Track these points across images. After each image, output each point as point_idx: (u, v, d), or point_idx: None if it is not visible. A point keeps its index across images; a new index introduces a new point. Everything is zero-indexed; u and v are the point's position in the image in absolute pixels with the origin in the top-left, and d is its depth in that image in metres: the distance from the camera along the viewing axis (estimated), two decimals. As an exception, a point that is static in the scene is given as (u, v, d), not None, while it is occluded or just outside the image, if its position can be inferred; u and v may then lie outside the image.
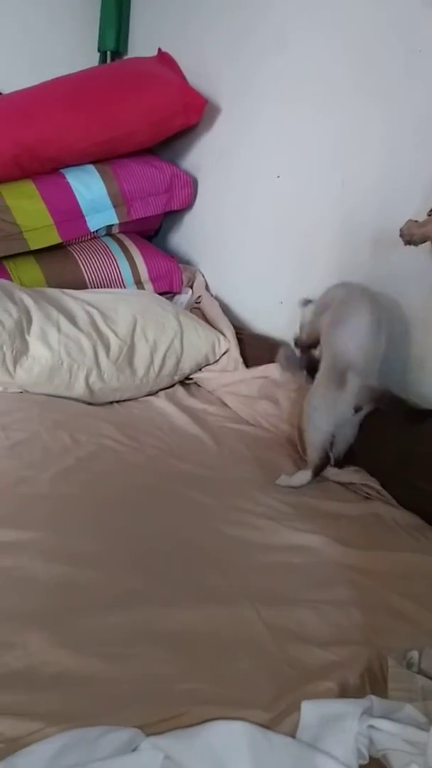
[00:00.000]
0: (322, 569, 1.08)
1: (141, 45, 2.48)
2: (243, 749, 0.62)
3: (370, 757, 0.69)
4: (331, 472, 1.43)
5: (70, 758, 0.62)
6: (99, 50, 2.56)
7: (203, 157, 2.18)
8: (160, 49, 2.26)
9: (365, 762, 0.68)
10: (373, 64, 1.50)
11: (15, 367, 1.56)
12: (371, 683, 0.83)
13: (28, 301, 1.69)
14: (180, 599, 0.94)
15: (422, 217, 1.31)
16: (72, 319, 1.70)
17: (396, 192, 1.46)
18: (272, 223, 1.89)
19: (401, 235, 1.33)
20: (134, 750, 0.63)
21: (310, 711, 0.71)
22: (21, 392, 1.60)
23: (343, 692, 0.80)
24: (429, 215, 1.31)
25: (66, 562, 0.97)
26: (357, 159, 1.57)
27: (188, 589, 0.97)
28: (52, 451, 1.32)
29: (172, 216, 2.32)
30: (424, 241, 1.32)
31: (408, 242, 1.32)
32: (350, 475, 1.40)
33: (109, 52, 2.54)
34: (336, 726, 0.68)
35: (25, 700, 0.72)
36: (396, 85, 1.45)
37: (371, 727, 0.69)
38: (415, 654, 0.86)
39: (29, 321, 1.64)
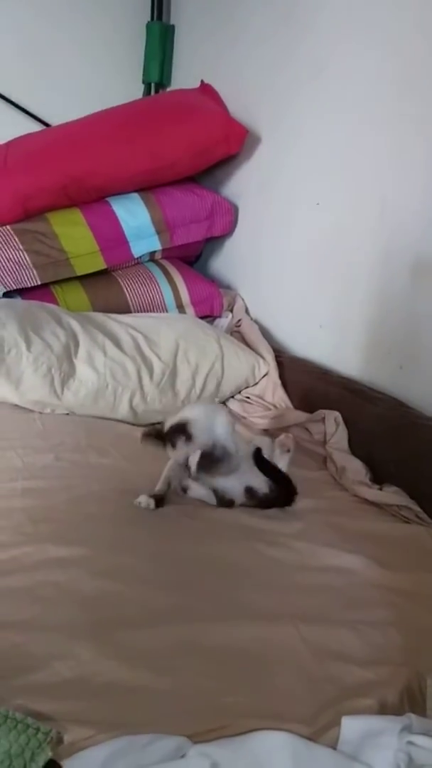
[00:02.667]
0: (361, 590, 1.10)
1: (183, 76, 2.57)
2: (286, 758, 0.65)
3: (409, 773, 0.71)
4: (369, 492, 1.45)
5: (121, 763, 0.65)
6: (143, 82, 2.65)
7: (244, 185, 2.24)
8: (202, 81, 2.34)
9: (403, 777, 0.70)
10: (413, 88, 1.53)
11: (63, 389, 1.63)
12: (410, 702, 0.85)
13: (75, 326, 1.75)
14: (222, 616, 0.97)
15: (461, 243, 1.34)
16: (117, 343, 1.76)
17: (434, 219, 1.49)
18: (311, 248, 1.93)
19: (440, 263, 1.36)
20: (182, 757, 0.66)
21: (351, 726, 0.73)
22: (67, 414, 1.66)
23: (382, 710, 0.82)
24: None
25: (113, 578, 1.01)
26: (397, 185, 1.60)
27: (230, 606, 1.00)
28: (99, 472, 1.37)
29: (213, 241, 2.38)
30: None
31: (447, 269, 1.35)
32: (390, 496, 1.42)
33: (153, 84, 2.63)
34: (376, 741, 0.71)
35: (77, 707, 0.76)
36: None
37: (410, 743, 0.71)
38: (453, 675, 0.88)
39: (76, 344, 1.70)
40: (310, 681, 0.87)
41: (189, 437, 1.26)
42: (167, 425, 1.30)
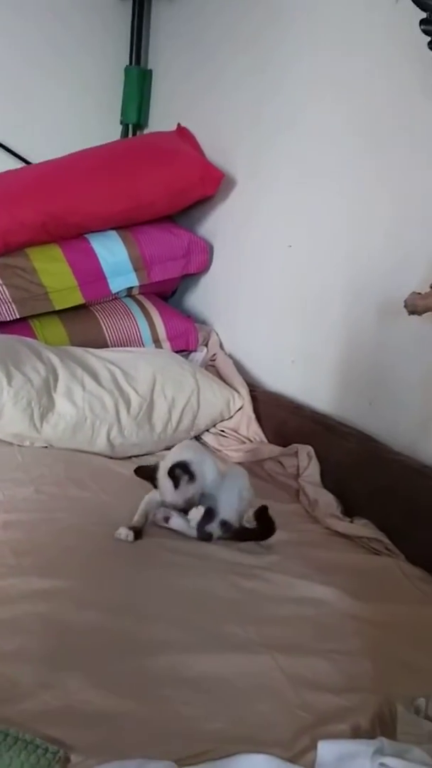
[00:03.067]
0: (334, 620, 1.15)
1: (160, 118, 2.65)
2: (268, 780, 0.69)
3: (382, 794, 0.75)
4: (340, 525, 1.50)
5: (112, 787, 0.69)
6: (122, 123, 2.73)
7: (219, 225, 2.32)
8: (179, 124, 2.43)
9: (377, 798, 0.74)
10: (379, 143, 1.63)
11: (42, 423, 1.66)
12: (381, 727, 0.89)
13: (55, 360, 1.79)
14: (203, 647, 1.01)
15: (425, 288, 1.42)
16: (95, 377, 1.81)
17: (401, 264, 1.57)
18: (284, 287, 2.01)
19: (405, 306, 1.43)
20: (170, 780, 0.70)
21: (327, 750, 0.77)
22: (46, 447, 1.69)
23: (356, 734, 0.87)
24: (431, 287, 1.42)
25: (96, 610, 1.04)
26: (364, 232, 1.69)
27: (210, 637, 1.04)
28: (79, 505, 1.40)
29: (189, 277, 2.44)
30: (426, 311, 1.43)
31: (412, 312, 1.43)
32: (360, 529, 1.48)
33: (131, 125, 2.71)
34: (350, 764, 0.75)
35: (66, 734, 0.78)
36: (403, 164, 1.57)
37: (382, 765, 0.75)
38: (422, 701, 0.93)
39: (56, 379, 1.74)
40: (287, 708, 0.91)
41: (191, 477, 1.30)
42: (164, 464, 1.34)
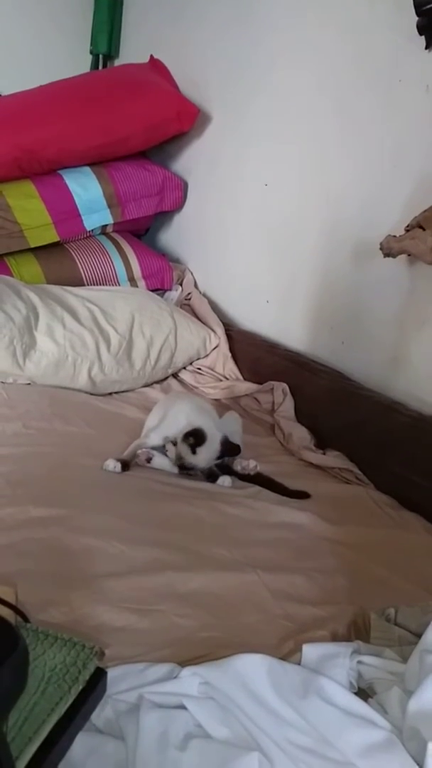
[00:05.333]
0: (311, 542, 1.25)
1: (132, 50, 2.60)
2: (263, 674, 0.78)
3: (358, 688, 0.85)
4: (313, 456, 1.59)
5: (122, 685, 0.77)
6: (91, 53, 2.66)
7: (194, 162, 2.32)
8: (152, 56, 2.38)
9: (354, 691, 0.84)
10: (356, 91, 1.65)
11: (25, 360, 1.69)
12: (356, 634, 1.00)
13: (34, 298, 1.81)
14: (194, 566, 1.09)
15: (400, 231, 1.47)
16: (75, 316, 1.83)
17: (376, 208, 1.62)
18: (259, 226, 2.04)
19: (381, 248, 1.49)
20: (175, 677, 0.78)
21: (310, 651, 0.87)
22: (29, 383, 1.73)
23: (334, 640, 0.96)
24: (406, 230, 1.47)
25: (92, 535, 1.11)
26: (340, 175, 1.73)
27: (199, 557, 1.12)
28: (67, 439, 1.46)
29: (162, 216, 2.45)
30: (401, 254, 1.48)
31: (387, 254, 1.49)
32: (333, 460, 1.57)
33: (101, 55, 2.64)
34: (332, 662, 0.85)
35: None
36: (377, 110, 1.60)
37: (360, 662, 0.85)
38: (392, 611, 1.03)
39: (36, 317, 1.76)
40: (271, 618, 1.01)
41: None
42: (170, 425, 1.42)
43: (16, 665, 0.56)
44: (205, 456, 1.38)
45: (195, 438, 1.36)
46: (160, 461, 1.42)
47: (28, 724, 0.58)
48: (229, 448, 1.40)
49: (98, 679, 0.67)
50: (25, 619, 0.73)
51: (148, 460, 1.42)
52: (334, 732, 0.74)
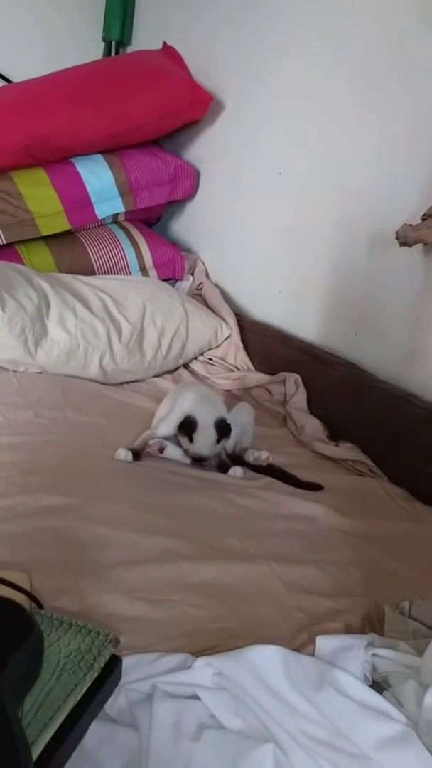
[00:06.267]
0: (324, 534, 1.24)
1: (145, 37, 2.57)
2: (278, 665, 0.77)
3: (373, 681, 0.85)
4: (326, 448, 1.58)
5: (135, 674, 0.76)
6: (104, 40, 2.63)
7: (206, 150, 2.29)
8: (165, 43, 2.35)
9: (369, 684, 0.83)
10: (372, 76, 1.63)
11: (36, 349, 1.68)
12: (370, 626, 0.99)
13: (46, 287, 1.80)
14: (205, 556, 1.08)
15: (416, 221, 1.46)
16: (87, 305, 1.82)
17: (392, 196, 1.60)
18: (272, 216, 2.02)
19: (397, 237, 1.47)
20: (188, 667, 0.78)
21: (324, 643, 0.86)
22: (40, 372, 1.72)
23: (348, 632, 0.95)
24: (423, 219, 1.45)
25: (104, 524, 1.11)
26: (355, 163, 1.71)
27: (211, 548, 1.11)
28: (78, 428, 1.45)
29: (173, 205, 2.43)
30: (417, 243, 1.47)
31: (403, 244, 1.47)
32: (345, 452, 1.55)
33: (114, 42, 2.62)
34: (346, 654, 0.84)
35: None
36: (393, 97, 1.58)
37: (375, 655, 0.84)
38: (406, 604, 1.02)
39: (48, 306, 1.75)
40: (285, 610, 1.00)
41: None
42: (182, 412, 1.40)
43: (32, 650, 0.56)
44: (204, 443, 1.37)
45: (185, 427, 1.35)
46: (172, 451, 1.41)
47: (43, 711, 0.57)
48: (222, 428, 1.37)
49: (113, 666, 0.66)
50: (40, 606, 0.73)
51: (161, 450, 1.41)
52: (350, 724, 0.73)
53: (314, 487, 1.40)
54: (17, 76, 2.40)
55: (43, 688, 0.60)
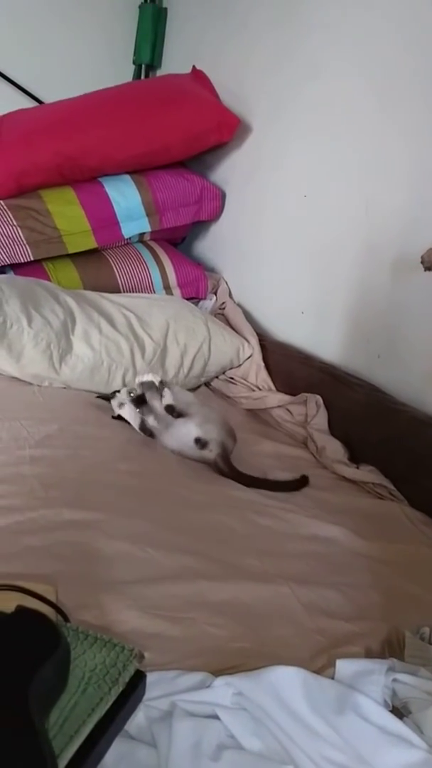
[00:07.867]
0: (344, 557, 1.23)
1: (174, 59, 2.63)
2: (297, 686, 0.77)
3: (393, 706, 0.84)
4: (347, 471, 1.58)
5: (155, 691, 0.76)
6: (134, 63, 2.69)
7: (232, 172, 2.32)
8: (194, 67, 2.40)
9: (389, 709, 0.83)
10: (400, 97, 1.63)
11: (61, 364, 1.71)
12: (390, 651, 0.98)
13: (72, 304, 1.83)
14: (225, 575, 1.08)
15: (442, 246, 1.46)
16: (111, 322, 1.84)
17: (418, 219, 1.60)
18: (297, 238, 2.03)
19: (422, 262, 1.47)
20: (208, 686, 0.78)
21: (344, 667, 0.86)
22: (64, 387, 1.74)
23: (368, 656, 0.95)
24: (448, 245, 1.45)
25: (124, 540, 1.11)
26: (381, 185, 1.71)
27: (231, 567, 1.11)
28: (100, 443, 1.46)
29: (199, 225, 2.46)
30: (441, 268, 1.47)
31: (428, 268, 1.47)
32: (366, 475, 1.55)
33: (144, 65, 2.68)
34: (366, 679, 0.83)
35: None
36: (421, 118, 1.58)
37: (395, 680, 0.84)
38: (426, 630, 1.02)
39: (73, 322, 1.78)
40: (304, 632, 0.99)
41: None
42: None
43: (59, 663, 0.57)
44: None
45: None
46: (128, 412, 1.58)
47: (69, 723, 0.58)
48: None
49: (138, 681, 0.66)
50: (66, 619, 0.73)
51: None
52: (370, 750, 0.72)
53: (300, 482, 1.44)
54: (49, 97, 2.47)
55: (69, 701, 0.60)
